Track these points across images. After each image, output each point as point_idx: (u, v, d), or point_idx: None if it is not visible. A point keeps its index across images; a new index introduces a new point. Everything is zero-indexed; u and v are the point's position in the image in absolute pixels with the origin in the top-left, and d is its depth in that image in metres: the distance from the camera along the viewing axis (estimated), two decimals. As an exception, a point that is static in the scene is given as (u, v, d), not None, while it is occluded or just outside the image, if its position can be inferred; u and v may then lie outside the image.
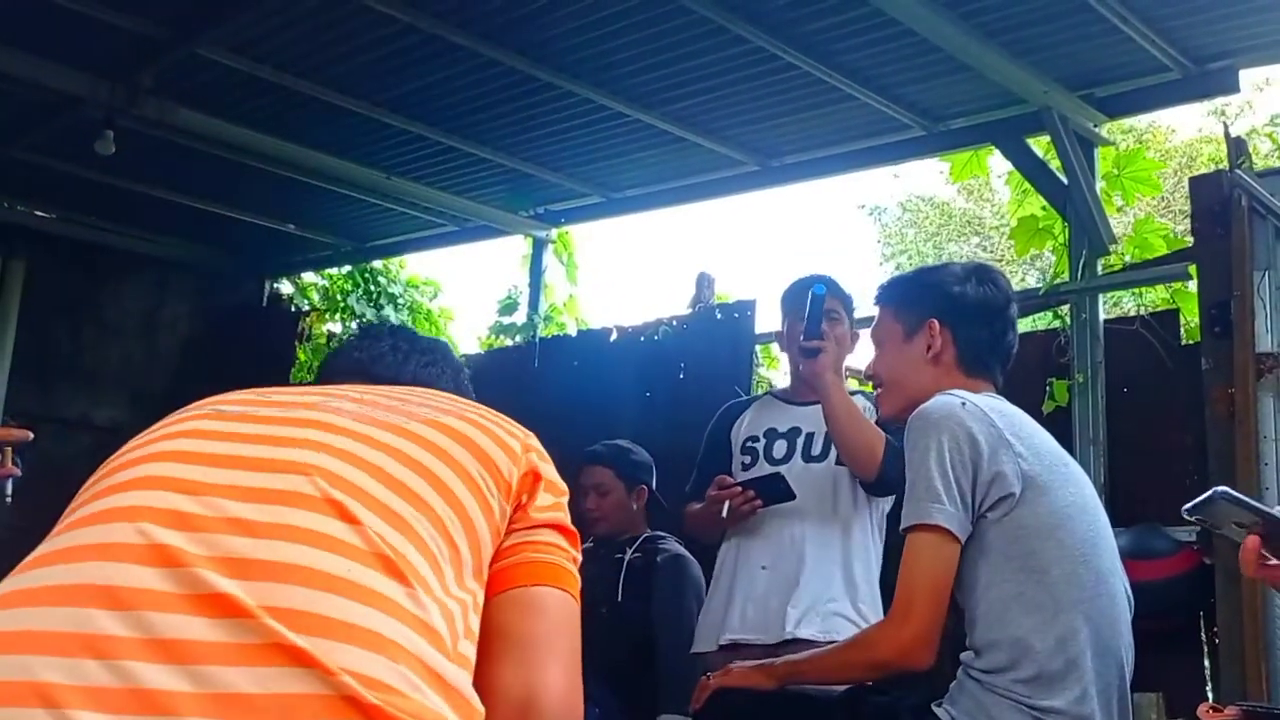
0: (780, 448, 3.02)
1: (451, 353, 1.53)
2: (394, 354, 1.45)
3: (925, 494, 1.86)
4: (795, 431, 3.02)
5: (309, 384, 1.31)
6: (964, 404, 1.94)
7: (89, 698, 0.81)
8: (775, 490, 2.87)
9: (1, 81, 4.35)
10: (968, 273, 2.20)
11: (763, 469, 2.98)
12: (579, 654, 1.06)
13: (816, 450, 2.97)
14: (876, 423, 2.78)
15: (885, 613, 2.67)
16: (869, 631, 2.01)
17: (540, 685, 1.01)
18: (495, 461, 1.08)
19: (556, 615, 1.05)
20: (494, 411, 1.19)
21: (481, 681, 0.99)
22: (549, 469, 1.15)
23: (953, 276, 2.20)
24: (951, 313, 2.15)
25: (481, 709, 0.93)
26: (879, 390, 2.29)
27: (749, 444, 3.08)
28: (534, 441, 1.17)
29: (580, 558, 1.13)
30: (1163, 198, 12.26)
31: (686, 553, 3.43)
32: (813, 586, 2.81)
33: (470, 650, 0.98)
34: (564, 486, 1.16)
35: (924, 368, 2.13)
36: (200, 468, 0.99)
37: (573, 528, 1.13)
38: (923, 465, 1.88)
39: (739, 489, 2.88)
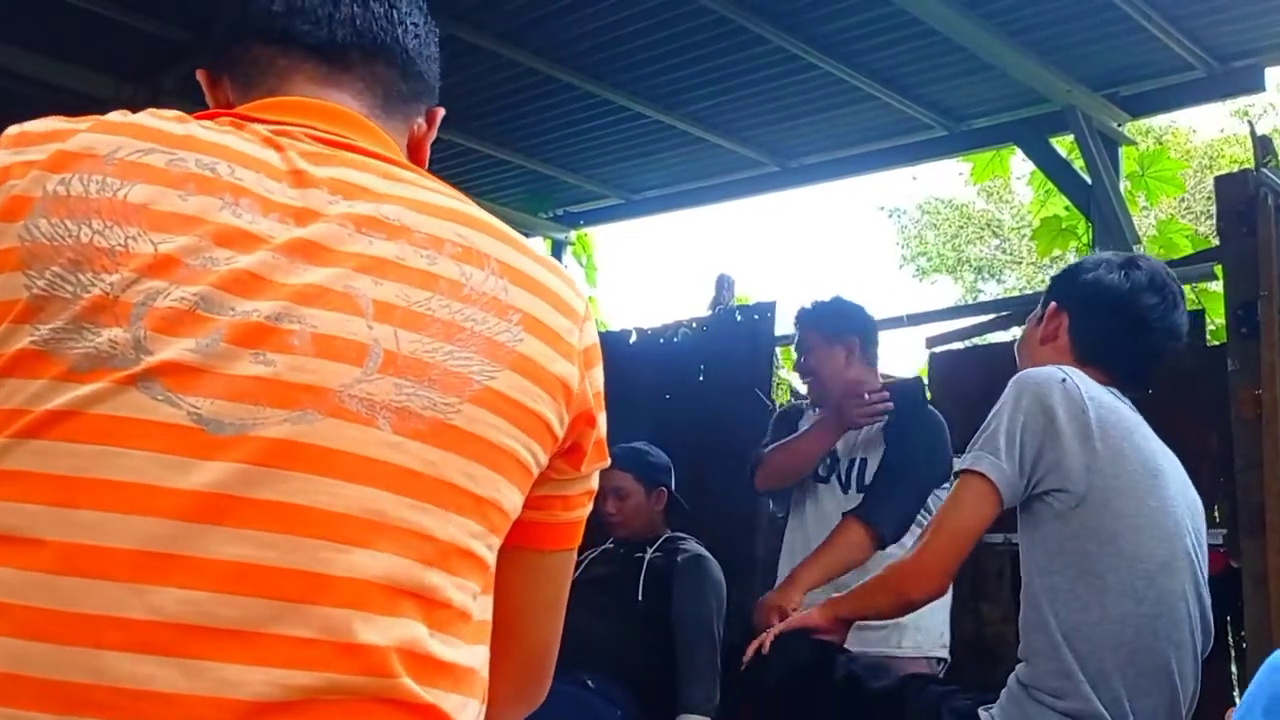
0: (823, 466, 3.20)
1: None
2: (331, 4, 1.02)
3: (986, 444, 1.90)
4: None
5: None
6: (1065, 380, 1.90)
7: None
8: (909, 397, 3.03)
9: (24, 85, 4.37)
10: (1110, 260, 2.10)
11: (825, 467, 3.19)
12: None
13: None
14: None
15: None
16: (891, 564, 2.10)
17: (551, 639, 1.06)
18: (551, 426, 0.92)
19: (565, 574, 1.06)
20: (544, 301, 0.94)
21: (500, 633, 0.96)
22: (597, 379, 0.98)
23: (1094, 262, 2.12)
24: (1071, 298, 2.09)
25: None
26: None
27: None
28: (591, 332, 0.98)
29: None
30: (1183, 199, 12.21)
31: (707, 553, 3.42)
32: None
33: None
34: (601, 392, 0.99)
35: (1040, 350, 2.10)
36: (156, 590, 0.74)
37: (607, 453, 1.02)
38: (997, 419, 1.90)
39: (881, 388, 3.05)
